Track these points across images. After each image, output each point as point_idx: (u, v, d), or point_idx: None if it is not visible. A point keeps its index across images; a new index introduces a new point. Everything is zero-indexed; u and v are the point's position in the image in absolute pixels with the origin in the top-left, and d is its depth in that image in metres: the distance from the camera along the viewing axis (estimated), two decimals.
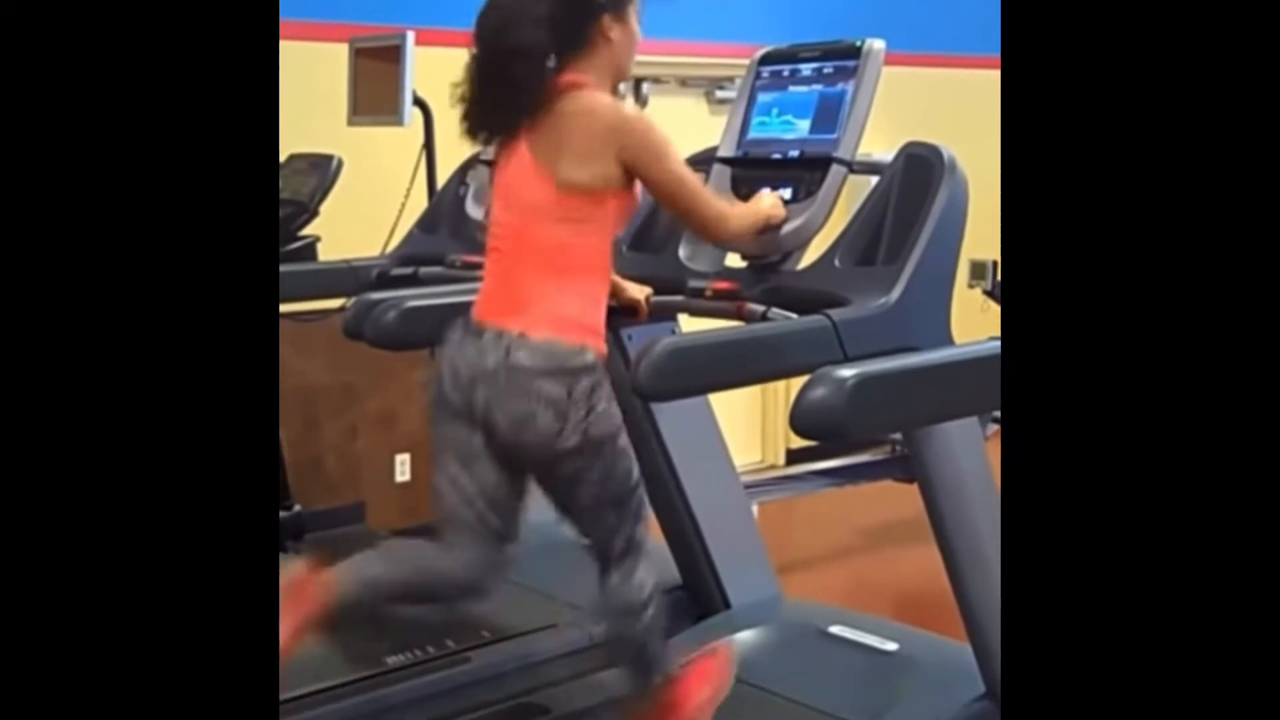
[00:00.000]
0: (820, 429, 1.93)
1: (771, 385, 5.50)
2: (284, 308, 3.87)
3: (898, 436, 4.36)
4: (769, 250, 2.45)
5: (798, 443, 5.62)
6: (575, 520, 2.35)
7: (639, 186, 2.29)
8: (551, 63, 2.22)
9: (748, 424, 5.64)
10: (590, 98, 2.24)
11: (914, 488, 3.90)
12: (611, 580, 2.36)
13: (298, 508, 3.94)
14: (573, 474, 2.25)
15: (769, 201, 2.45)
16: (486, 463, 2.28)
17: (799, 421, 1.92)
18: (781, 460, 5.71)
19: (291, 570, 2.25)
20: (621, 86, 2.45)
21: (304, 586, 2.23)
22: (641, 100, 5.08)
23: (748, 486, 3.67)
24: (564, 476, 2.26)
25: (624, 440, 2.29)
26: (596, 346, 2.24)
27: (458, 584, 2.34)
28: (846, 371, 1.95)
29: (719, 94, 5.39)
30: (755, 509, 3.71)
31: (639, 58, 2.37)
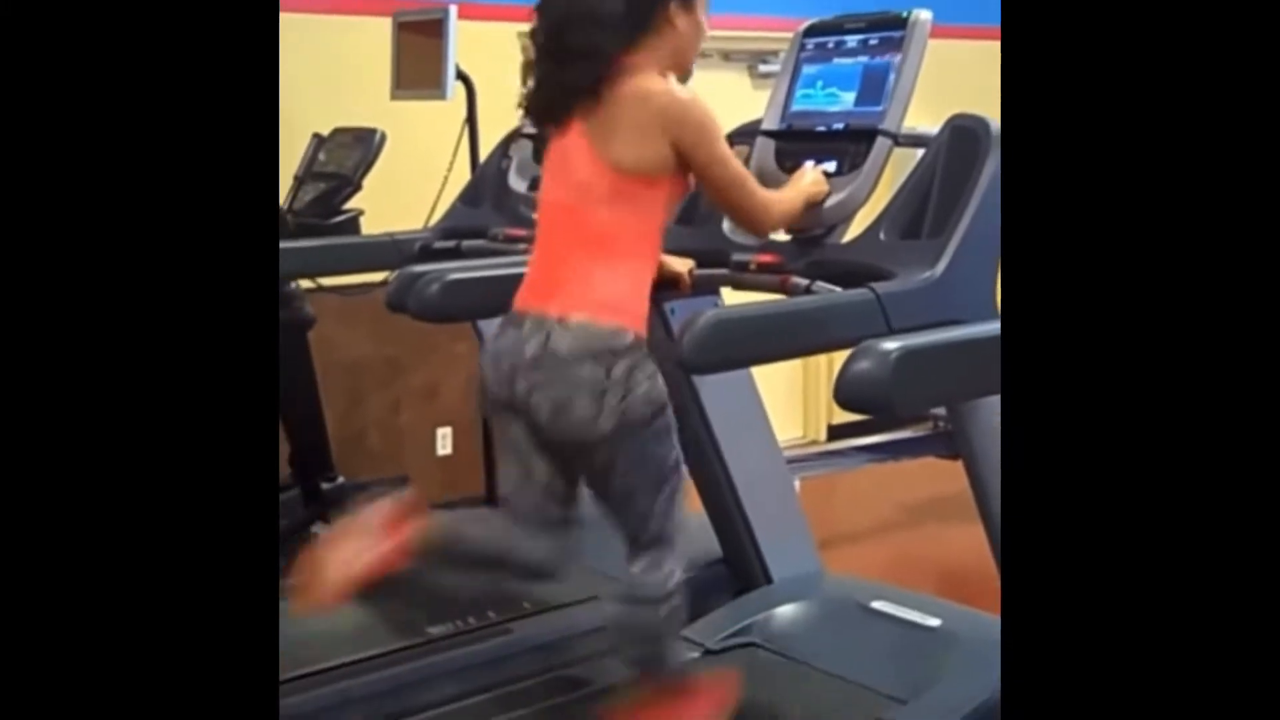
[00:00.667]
0: (864, 402, 1.92)
1: (813, 361, 5.48)
2: (327, 281, 3.92)
3: (940, 413, 4.33)
4: (814, 224, 2.44)
5: (840, 418, 5.60)
6: (609, 504, 2.32)
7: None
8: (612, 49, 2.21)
9: (789, 399, 5.63)
10: (646, 81, 2.22)
11: (956, 464, 3.88)
12: (637, 566, 2.32)
13: (341, 480, 3.96)
14: (609, 458, 2.22)
15: (810, 179, 2.43)
16: (535, 454, 2.28)
17: (843, 394, 1.91)
18: (823, 436, 5.70)
19: (386, 507, 2.31)
20: None
21: (398, 522, 2.29)
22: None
23: (789, 461, 3.66)
24: (600, 460, 2.23)
25: (665, 421, 2.25)
26: (636, 330, 2.21)
27: (530, 566, 2.38)
28: (891, 344, 1.94)
29: (762, 68, 5.36)
30: (797, 484, 3.70)
31: None
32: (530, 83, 2.33)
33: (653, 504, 2.28)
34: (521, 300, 2.28)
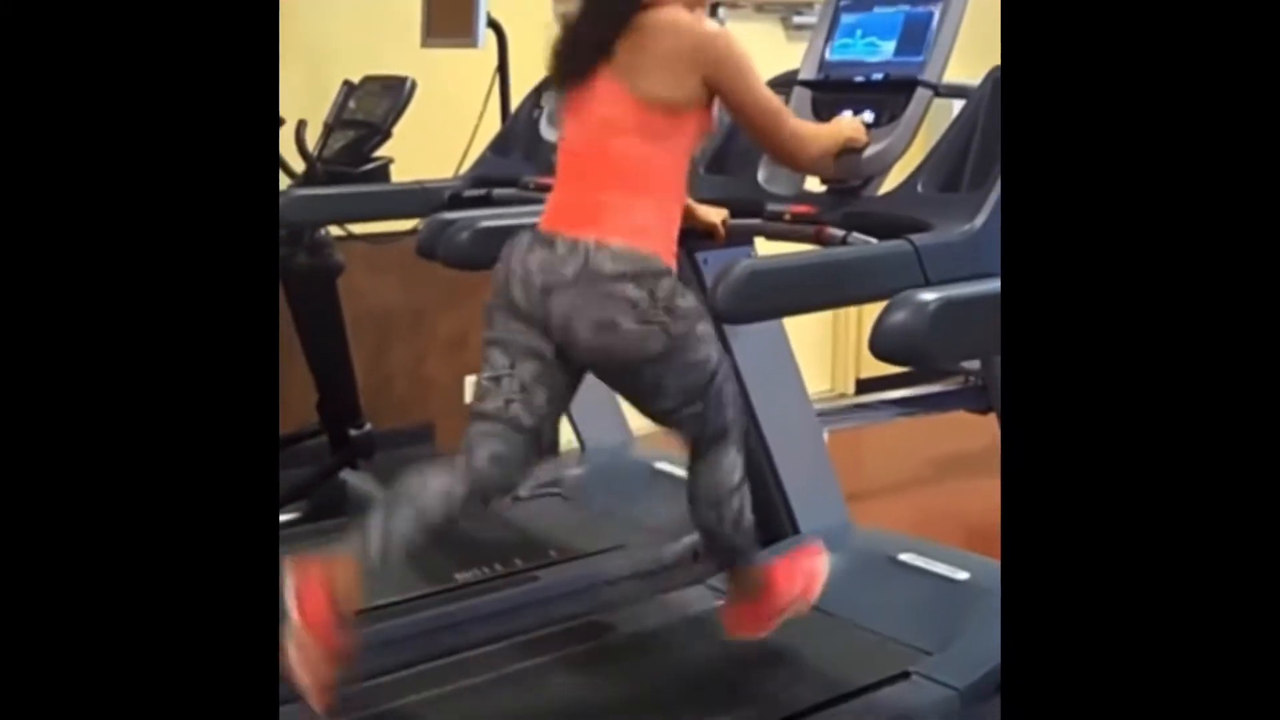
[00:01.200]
0: (901, 352, 1.91)
1: (843, 313, 5.46)
2: (357, 228, 3.92)
3: (971, 367, 4.31)
4: (850, 175, 2.42)
5: (868, 372, 5.58)
6: (661, 417, 2.36)
7: (716, 107, 2.26)
8: None
9: (819, 352, 5.60)
10: (673, 14, 2.22)
11: (986, 419, 3.87)
12: (699, 467, 2.38)
13: (368, 427, 3.97)
14: (657, 375, 2.25)
15: (850, 124, 2.41)
16: (540, 364, 2.27)
17: (880, 344, 1.90)
18: (852, 389, 5.68)
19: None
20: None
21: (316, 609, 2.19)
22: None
23: (818, 415, 3.65)
24: (648, 377, 2.26)
25: (704, 328, 2.28)
26: (669, 261, 2.24)
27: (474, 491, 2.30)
28: (929, 295, 1.93)
29: (796, 20, 5.30)
30: (825, 437, 3.69)
31: None
32: (559, 33, 2.32)
33: (705, 407, 2.31)
34: (549, 222, 2.27)
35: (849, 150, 2.39)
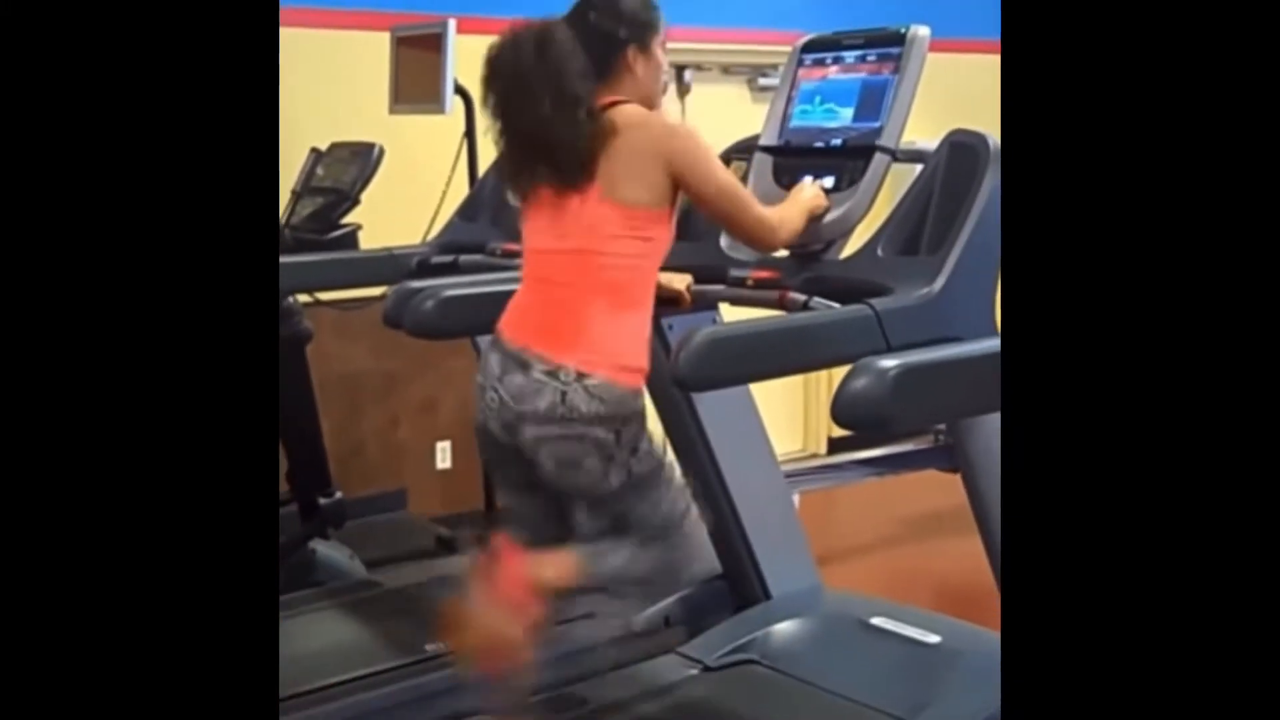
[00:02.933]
0: (863, 419, 1.91)
1: (814, 374, 5.47)
2: (326, 295, 3.91)
3: (941, 426, 4.32)
4: (811, 240, 2.43)
5: (840, 431, 5.55)
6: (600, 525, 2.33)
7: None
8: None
9: (789, 412, 5.61)
10: (637, 111, 2.25)
11: (957, 478, 3.87)
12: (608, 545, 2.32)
13: (339, 494, 3.94)
14: (616, 506, 2.27)
15: (810, 193, 2.43)
16: (534, 490, 2.31)
17: (841, 412, 1.90)
18: (823, 449, 5.68)
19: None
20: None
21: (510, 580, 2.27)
22: (684, 88, 5.05)
23: (789, 475, 3.65)
24: (604, 509, 2.28)
25: (668, 472, 2.32)
26: (641, 383, 2.26)
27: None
28: (889, 361, 1.93)
29: (761, 81, 5.35)
30: (796, 498, 3.69)
31: (682, 45, 2.37)
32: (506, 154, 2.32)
33: (661, 544, 2.32)
34: (523, 336, 2.24)
35: (811, 219, 2.40)
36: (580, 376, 2.17)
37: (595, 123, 2.20)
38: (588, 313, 2.20)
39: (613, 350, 2.20)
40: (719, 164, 2.28)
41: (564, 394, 2.17)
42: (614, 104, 2.25)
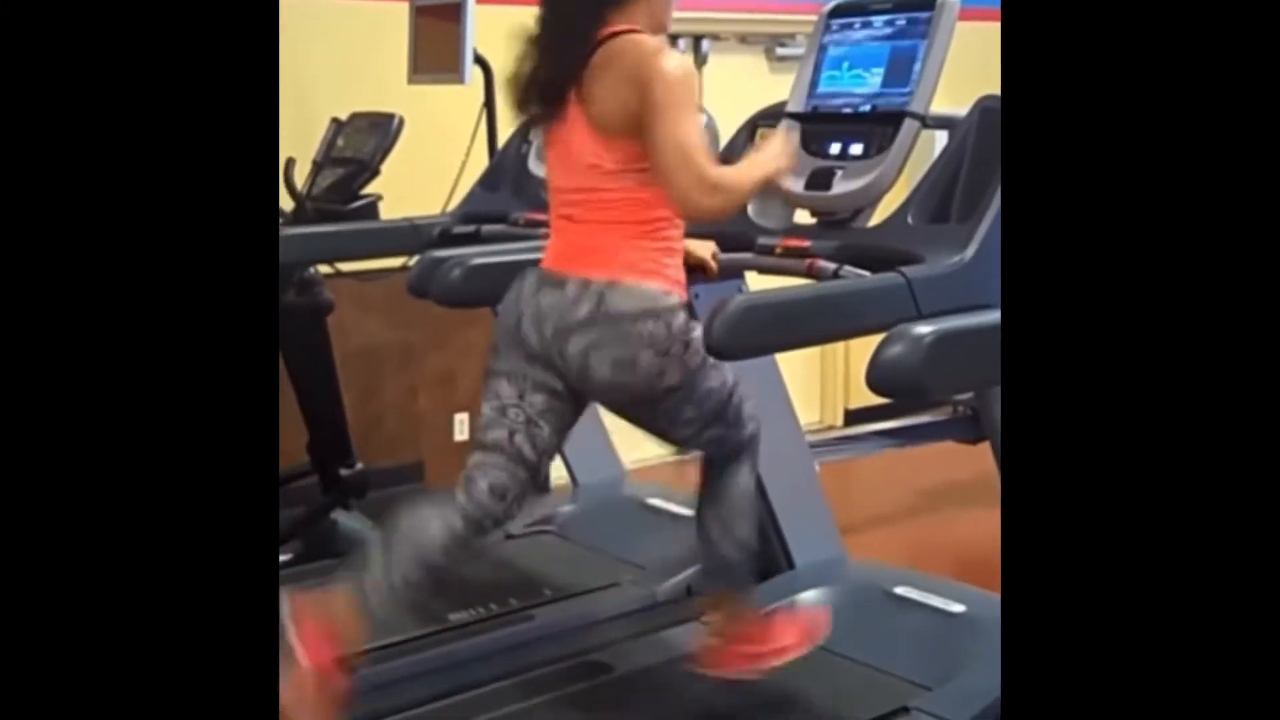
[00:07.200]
0: (898, 386, 1.90)
1: (830, 345, 5.46)
2: (346, 266, 3.90)
3: (960, 397, 4.31)
4: (779, 222, 2.45)
5: (856, 403, 5.57)
6: (681, 442, 2.40)
7: None
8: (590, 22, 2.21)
9: (806, 384, 5.60)
10: (629, 39, 2.21)
11: (975, 449, 3.86)
12: (714, 485, 2.42)
13: (360, 466, 3.95)
14: (675, 405, 2.27)
15: (772, 151, 2.35)
16: (551, 398, 2.28)
17: (876, 379, 1.89)
18: (840, 421, 5.67)
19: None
20: (682, 43, 2.42)
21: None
22: (701, 57, 5.03)
23: (808, 447, 3.64)
24: (667, 408, 2.28)
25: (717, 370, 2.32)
26: (681, 293, 2.26)
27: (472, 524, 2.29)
28: (924, 328, 1.92)
29: (780, 51, 5.32)
30: (816, 469, 3.68)
31: (699, 14, 2.34)
32: (519, 71, 2.32)
33: (724, 427, 2.35)
34: (555, 262, 2.28)
35: (769, 184, 2.33)
36: (613, 283, 2.19)
37: (592, 50, 2.19)
38: (609, 239, 2.23)
39: (638, 261, 2.22)
40: (690, 113, 2.17)
41: (601, 296, 2.19)
42: (615, 34, 2.20)
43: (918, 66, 2.40)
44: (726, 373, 2.32)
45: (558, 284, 2.24)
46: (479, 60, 3.80)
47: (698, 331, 2.21)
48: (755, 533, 2.48)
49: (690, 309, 2.62)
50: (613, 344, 2.19)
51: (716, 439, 2.37)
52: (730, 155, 2.60)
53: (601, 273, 2.20)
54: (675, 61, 2.19)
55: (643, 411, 2.32)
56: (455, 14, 3.78)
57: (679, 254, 2.29)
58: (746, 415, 2.39)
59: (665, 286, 2.22)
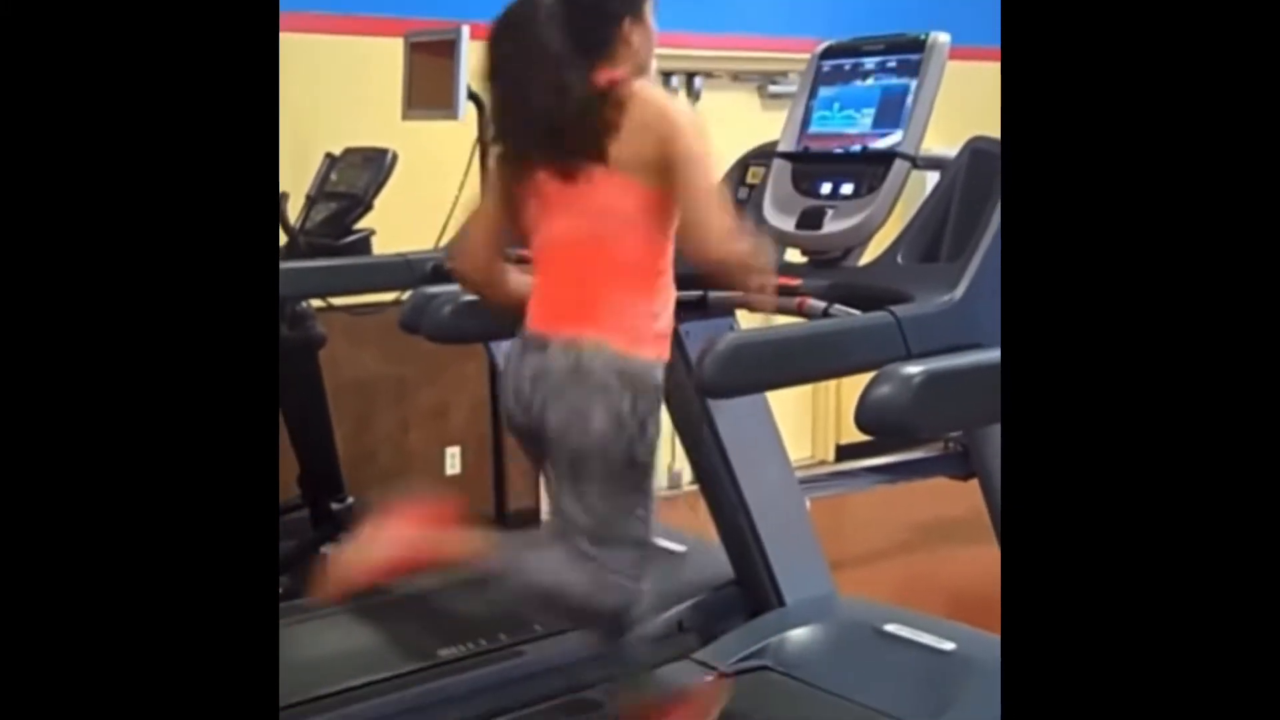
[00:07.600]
0: (886, 426, 1.91)
1: (822, 382, 5.48)
2: (338, 301, 3.92)
3: (953, 434, 4.32)
4: (828, 246, 2.44)
5: (848, 439, 5.59)
6: (570, 523, 2.25)
7: None
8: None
9: (798, 420, 5.62)
10: (637, 88, 2.18)
11: (966, 485, 3.86)
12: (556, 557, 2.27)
13: (351, 500, 3.95)
14: (596, 482, 2.19)
15: (766, 251, 2.30)
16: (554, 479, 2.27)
17: (865, 418, 1.90)
18: (832, 456, 5.68)
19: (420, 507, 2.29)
20: (675, 80, 2.44)
21: (431, 524, 2.28)
22: (694, 95, 5.06)
23: (799, 483, 3.64)
24: (588, 479, 2.19)
25: (650, 470, 2.26)
26: (664, 357, 2.21)
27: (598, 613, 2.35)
28: (913, 368, 1.93)
29: (772, 88, 5.36)
30: (807, 505, 3.69)
31: (692, 52, 2.36)
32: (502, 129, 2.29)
33: (615, 549, 2.24)
34: (543, 323, 2.23)
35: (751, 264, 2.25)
36: (598, 345, 2.15)
37: (604, 102, 2.16)
38: (605, 294, 2.18)
39: (631, 325, 2.18)
40: (712, 162, 2.20)
41: (579, 358, 2.15)
42: (616, 82, 2.18)
43: (908, 107, 2.42)
44: (653, 517, 2.26)
45: (540, 347, 2.20)
46: (472, 96, 3.81)
47: (654, 431, 2.19)
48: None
49: (680, 347, 2.64)
50: (569, 393, 2.14)
51: (599, 552, 2.21)
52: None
53: (589, 330, 2.16)
54: (688, 110, 2.23)
55: (573, 467, 2.20)
56: (449, 50, 3.81)
57: (670, 316, 2.24)
58: (642, 575, 2.28)
59: (655, 358, 2.19)
